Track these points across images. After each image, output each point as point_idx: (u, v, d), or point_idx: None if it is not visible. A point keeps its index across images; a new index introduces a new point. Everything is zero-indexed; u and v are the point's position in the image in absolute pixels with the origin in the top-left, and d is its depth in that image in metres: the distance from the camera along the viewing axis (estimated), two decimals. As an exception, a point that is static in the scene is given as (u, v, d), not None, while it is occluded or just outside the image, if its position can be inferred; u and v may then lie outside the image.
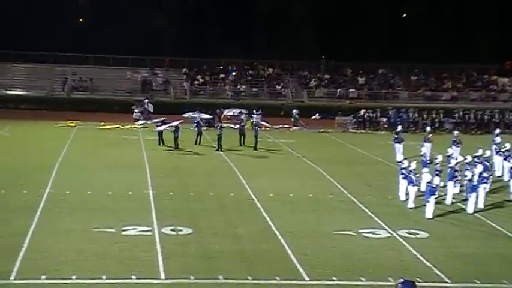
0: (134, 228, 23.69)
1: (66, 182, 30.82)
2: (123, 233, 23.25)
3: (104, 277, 19.08)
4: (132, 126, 50.87)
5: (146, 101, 55.45)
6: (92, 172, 33.46)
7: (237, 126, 45.16)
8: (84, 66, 65.17)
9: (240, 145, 42.82)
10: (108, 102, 59.62)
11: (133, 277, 19.17)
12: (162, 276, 19.45)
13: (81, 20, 76.41)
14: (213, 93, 64.11)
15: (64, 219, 24.73)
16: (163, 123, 42.94)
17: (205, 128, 50.58)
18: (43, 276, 18.94)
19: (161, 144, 41.68)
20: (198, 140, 42.93)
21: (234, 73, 67.58)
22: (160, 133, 42.15)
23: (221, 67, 68.96)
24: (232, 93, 64.60)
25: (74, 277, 18.96)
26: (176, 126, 41.58)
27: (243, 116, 49.53)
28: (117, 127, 50.07)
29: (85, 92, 62.89)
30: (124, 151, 40.22)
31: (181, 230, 23.74)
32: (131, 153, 39.39)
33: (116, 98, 61.20)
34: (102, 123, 50.67)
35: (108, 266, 19.93)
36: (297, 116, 54.90)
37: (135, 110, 53.26)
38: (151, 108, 54.25)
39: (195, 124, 45.10)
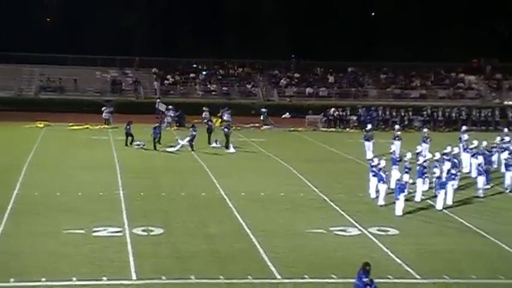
0: (105, 229, 23.58)
1: (35, 183, 30.57)
2: (94, 234, 23.13)
3: (74, 279, 18.97)
4: (102, 126, 50.56)
5: (158, 100, 55.05)
6: (61, 173, 33.20)
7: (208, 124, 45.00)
8: (53, 66, 64.50)
9: (209, 144, 42.73)
10: (77, 103, 59.12)
11: (104, 278, 19.09)
12: (134, 277, 19.39)
13: (48, 19, 75.72)
14: (184, 93, 63.90)
15: (33, 221, 24.53)
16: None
17: (175, 127, 50.65)
18: (12, 279, 18.78)
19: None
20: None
21: (204, 72, 67.45)
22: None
23: (194, 66, 68.77)
24: (202, 92, 64.50)
25: (43, 279, 18.82)
26: (156, 127, 41.40)
27: (206, 114, 49.65)
28: (87, 128, 49.71)
29: (54, 92, 62.32)
30: (94, 152, 39.95)
31: (152, 231, 23.68)
32: (101, 154, 39.16)
33: (85, 98, 60.71)
34: (71, 124, 50.26)
35: (78, 268, 19.81)
36: (265, 114, 54.94)
37: (105, 110, 52.90)
38: (162, 107, 53.90)
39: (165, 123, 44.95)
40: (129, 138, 41.80)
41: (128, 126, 42.00)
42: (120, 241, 22.47)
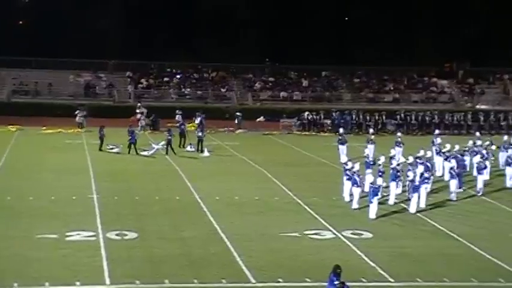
0: (78, 234, 23.45)
1: (8, 187, 30.31)
2: (67, 238, 22.99)
3: (47, 284, 18.84)
4: (75, 130, 50.26)
5: (139, 104, 54.75)
6: (34, 177, 32.95)
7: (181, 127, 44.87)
8: (25, 69, 63.97)
9: (179, 147, 42.60)
10: (50, 106, 58.64)
11: (78, 283, 18.97)
12: (107, 281, 19.29)
13: (21, 22, 75.09)
14: (158, 97, 63.70)
15: (6, 225, 24.32)
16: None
17: (149, 130, 50.49)
18: (-16, 284, 18.63)
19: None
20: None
21: (178, 76, 67.32)
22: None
23: (168, 70, 68.61)
24: (176, 96, 64.39)
25: (15, 285, 18.67)
26: (133, 132, 41.25)
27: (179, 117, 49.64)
28: (60, 131, 49.39)
29: (26, 96, 61.80)
30: (67, 155, 39.71)
31: (126, 235, 23.58)
32: (75, 158, 38.93)
33: (58, 102, 60.26)
34: (44, 128, 49.91)
35: (51, 272, 19.68)
36: (240, 118, 54.99)
37: (78, 114, 52.57)
38: (144, 111, 53.65)
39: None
40: (103, 142, 41.59)
41: (100, 131, 41.81)
42: (93, 245, 22.34)
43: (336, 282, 16.74)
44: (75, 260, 20.85)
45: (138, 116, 52.35)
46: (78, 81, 64.73)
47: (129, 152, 40.41)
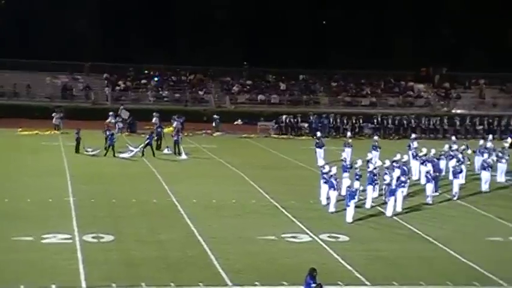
0: (54, 236, 23.33)
1: (-17, 189, 30.05)
2: (43, 241, 22.86)
3: (22, 287, 18.72)
4: (52, 132, 49.95)
5: (121, 107, 54.40)
6: (10, 179, 32.70)
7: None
8: (1, 71, 63.43)
9: (157, 149, 42.50)
10: (27, 108, 58.21)
11: (53, 286, 18.88)
12: (83, 284, 19.22)
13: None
14: (135, 99, 63.46)
15: (-19, 228, 24.13)
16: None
17: (127, 133, 50.31)
18: (-41, 287, 18.47)
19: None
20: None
21: (156, 78, 67.14)
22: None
23: (146, 72, 68.42)
24: (154, 98, 64.21)
25: (-9, 287, 18.55)
26: (112, 133, 41.12)
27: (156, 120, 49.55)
28: (37, 133, 49.06)
29: (2, 97, 61.29)
30: (44, 157, 39.47)
31: (103, 237, 23.50)
32: (51, 160, 38.69)
33: (35, 103, 59.86)
34: (20, 129, 49.55)
35: (27, 275, 19.56)
36: (218, 121, 54.96)
37: (55, 116, 52.25)
38: (125, 114, 53.31)
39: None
40: (79, 144, 41.38)
41: (77, 133, 41.61)
42: (70, 248, 22.24)
43: (313, 285, 16.80)
44: (51, 262, 20.74)
45: (110, 118, 52.14)
46: (55, 83, 64.34)
47: (105, 155, 40.24)
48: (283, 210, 28.52)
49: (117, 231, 24.29)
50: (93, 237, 23.41)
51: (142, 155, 40.41)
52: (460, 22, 73.33)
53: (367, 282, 20.37)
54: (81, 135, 41.48)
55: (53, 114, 52.46)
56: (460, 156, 36.05)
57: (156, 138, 43.10)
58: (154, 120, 50.57)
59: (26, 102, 59.93)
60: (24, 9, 66.61)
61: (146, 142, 40.92)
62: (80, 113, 55.40)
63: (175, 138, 42.60)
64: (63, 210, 27.11)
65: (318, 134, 42.97)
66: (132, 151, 40.72)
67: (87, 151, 40.99)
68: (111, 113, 53.00)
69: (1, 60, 62.38)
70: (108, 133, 41.49)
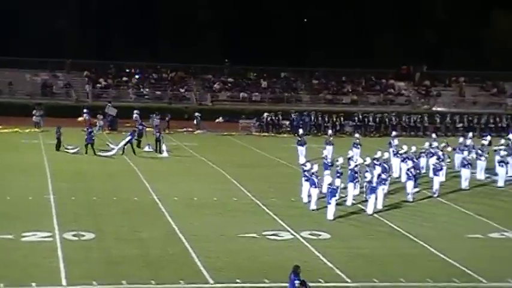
0: (34, 234, 23.20)
1: (-38, 187, 29.83)
2: (23, 239, 22.74)
3: (1, 285, 18.62)
4: (32, 129, 49.66)
5: (108, 105, 54.11)
6: (-11, 177, 32.48)
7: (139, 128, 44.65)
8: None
9: (138, 147, 42.37)
10: (7, 105, 57.77)
11: (34, 284, 18.79)
12: (64, 282, 19.14)
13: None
14: (116, 97, 63.18)
15: (-40, 226, 23.95)
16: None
17: (107, 131, 50.09)
18: None
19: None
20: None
21: (137, 76, 66.92)
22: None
23: (127, 70, 68.18)
24: (135, 96, 64.00)
25: (-30, 286, 18.43)
26: (90, 131, 40.95)
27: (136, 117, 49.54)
28: (16, 131, 48.73)
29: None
30: (23, 155, 39.23)
31: (83, 235, 23.41)
32: (31, 157, 38.46)
33: (14, 101, 59.45)
34: (0, 127, 49.20)
35: (7, 274, 19.44)
36: (199, 119, 54.90)
37: (35, 114, 51.94)
38: (112, 111, 53.05)
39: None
40: (60, 142, 41.18)
41: (57, 131, 41.40)
42: (50, 246, 22.13)
43: (297, 282, 16.85)
44: (31, 261, 20.64)
45: (84, 115, 52.01)
46: (35, 80, 63.94)
47: (86, 152, 40.06)
48: (265, 208, 28.55)
49: (98, 229, 24.21)
50: (73, 235, 23.32)
51: (123, 152, 40.25)
52: (439, 21, 73.82)
53: (347, 280, 20.44)
54: (62, 133, 41.26)
55: (33, 112, 52.14)
56: (440, 153, 36.27)
57: (136, 136, 42.95)
58: (134, 117, 50.47)
59: (6, 100, 59.49)
60: (6, 6, 66.03)
61: (127, 140, 40.77)
62: (60, 111, 55.04)
63: (157, 135, 42.50)
64: (44, 208, 26.97)
65: (300, 131, 43.05)
66: (113, 149, 40.57)
67: (67, 149, 40.79)
68: (85, 110, 52.86)
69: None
70: (89, 130, 41.35)
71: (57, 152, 40.58)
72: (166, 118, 52.85)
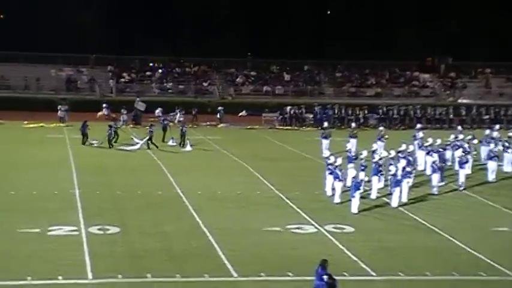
0: (60, 228, 23.35)
1: (-11, 182, 30.10)
2: (49, 233, 22.90)
3: (29, 278, 18.76)
4: (57, 124, 50.01)
5: (137, 99, 54.50)
6: (16, 172, 32.75)
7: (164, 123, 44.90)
8: (7, 64, 63.43)
9: (162, 141, 42.57)
10: (31, 101, 58.27)
11: (60, 277, 18.91)
12: (90, 276, 19.24)
13: (1, 16, 74.49)
14: (139, 91, 63.43)
15: (-13, 220, 24.18)
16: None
17: (131, 125, 50.30)
18: (-34, 279, 18.50)
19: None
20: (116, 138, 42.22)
21: (160, 70, 67.15)
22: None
23: (151, 64, 68.47)
24: (158, 90, 64.24)
25: (-2, 279, 18.59)
26: (110, 125, 41.24)
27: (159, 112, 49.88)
28: (42, 126, 49.12)
29: (7, 90, 61.37)
30: (49, 150, 39.50)
31: (108, 229, 23.52)
32: (56, 152, 38.72)
33: (40, 96, 59.92)
34: (25, 122, 49.62)
35: (33, 267, 19.59)
36: (222, 113, 54.97)
37: (60, 109, 52.32)
38: (142, 106, 53.43)
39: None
40: (85, 137, 41.46)
41: (83, 126, 41.68)
42: (75, 240, 22.27)
43: (325, 277, 16.76)
44: (57, 254, 20.78)
45: (104, 110, 52.31)
46: (60, 76, 64.39)
47: (110, 147, 40.30)
48: (288, 202, 28.50)
49: (123, 223, 24.32)
50: (98, 229, 23.44)
51: (148, 147, 40.41)
52: (465, 11, 73.07)
53: (372, 273, 20.35)
54: (89, 127, 41.55)
55: (58, 107, 52.52)
56: (466, 146, 36.01)
57: (162, 130, 43.18)
58: (157, 113, 50.90)
59: (32, 95, 59.98)
60: (29, 2, 66.55)
61: (150, 135, 40.92)
62: (84, 105, 55.39)
63: (181, 130, 42.61)
64: (69, 202, 27.14)
65: (325, 124, 42.95)
66: (137, 143, 40.74)
67: (92, 143, 41.04)
68: (105, 105, 53.13)
69: (7, 53, 62.42)
70: (115, 125, 41.84)
71: (82, 146, 40.83)
72: (193, 112, 53.19)
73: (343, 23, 72.72)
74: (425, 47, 71.34)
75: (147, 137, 40.88)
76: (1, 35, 64.74)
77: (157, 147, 40.45)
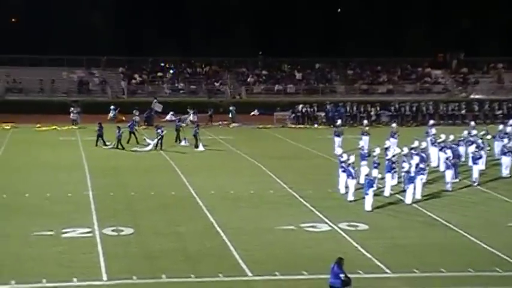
0: (74, 230, 23.41)
1: (3, 185, 30.22)
2: (63, 235, 22.96)
3: (44, 281, 18.81)
4: (70, 127, 50.19)
5: (154, 100, 54.67)
6: (29, 174, 32.89)
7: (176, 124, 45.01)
8: (19, 67, 63.72)
9: (176, 142, 42.66)
10: (44, 104, 58.47)
11: (75, 279, 18.96)
12: (104, 277, 19.27)
13: (13, 20, 74.83)
14: (151, 92, 63.55)
15: (2, 223, 24.29)
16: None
17: (143, 126, 50.36)
18: (-19, 282, 18.58)
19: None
20: (131, 139, 42.44)
21: (171, 71, 67.25)
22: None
23: (162, 64, 68.62)
24: (170, 91, 64.34)
25: (13, 282, 18.64)
26: (119, 127, 41.40)
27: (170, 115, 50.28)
28: (54, 128, 49.31)
29: (20, 93, 61.64)
30: (62, 152, 39.65)
31: (122, 231, 23.56)
32: (69, 155, 38.86)
33: (52, 99, 60.14)
34: (38, 125, 49.82)
35: (48, 269, 19.65)
36: (234, 112, 55.00)
37: (73, 111, 52.51)
38: (158, 107, 53.64)
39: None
40: (99, 139, 41.59)
41: (99, 128, 41.84)
42: (90, 242, 22.32)
43: (342, 275, 16.72)
44: (71, 256, 20.83)
45: (111, 112, 52.51)
46: (72, 78, 64.61)
47: (123, 148, 40.42)
48: (302, 200, 28.46)
49: (136, 224, 24.36)
50: (112, 231, 23.48)
51: (161, 148, 40.47)
52: (476, 6, 72.68)
53: (387, 271, 20.27)
54: (103, 129, 41.70)
55: (70, 109, 52.70)
56: (479, 141, 35.81)
57: (176, 131, 43.30)
58: (168, 117, 51.17)
59: (45, 98, 60.19)
60: (40, 5, 66.75)
61: (160, 135, 40.96)
62: (96, 107, 55.54)
63: (194, 130, 42.66)
64: (83, 204, 27.22)
65: (339, 122, 42.89)
66: (149, 144, 40.82)
67: (106, 145, 41.18)
68: (112, 107, 53.25)
69: (19, 56, 62.71)
70: (131, 127, 42.11)
71: (95, 148, 40.96)
72: (209, 112, 53.32)
73: (354, 20, 72.54)
74: (436, 43, 71.04)
75: (158, 137, 40.93)
76: (13, 38, 65.05)
77: (161, 148, 40.39)
